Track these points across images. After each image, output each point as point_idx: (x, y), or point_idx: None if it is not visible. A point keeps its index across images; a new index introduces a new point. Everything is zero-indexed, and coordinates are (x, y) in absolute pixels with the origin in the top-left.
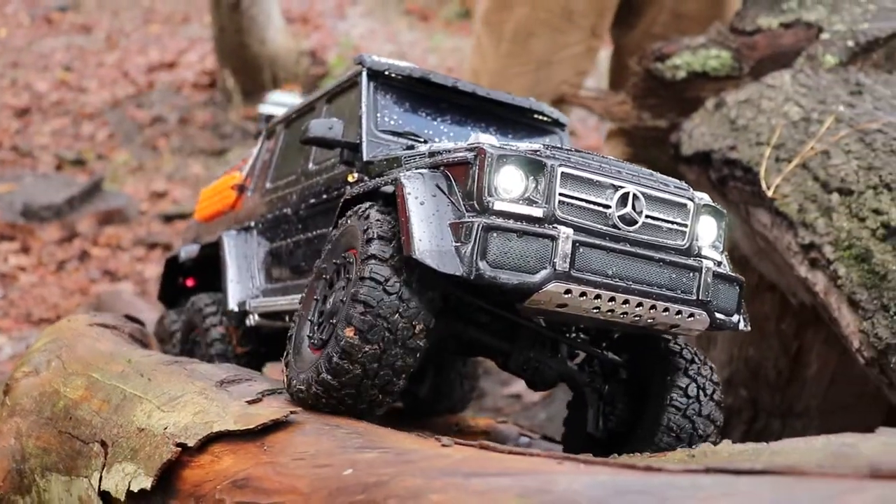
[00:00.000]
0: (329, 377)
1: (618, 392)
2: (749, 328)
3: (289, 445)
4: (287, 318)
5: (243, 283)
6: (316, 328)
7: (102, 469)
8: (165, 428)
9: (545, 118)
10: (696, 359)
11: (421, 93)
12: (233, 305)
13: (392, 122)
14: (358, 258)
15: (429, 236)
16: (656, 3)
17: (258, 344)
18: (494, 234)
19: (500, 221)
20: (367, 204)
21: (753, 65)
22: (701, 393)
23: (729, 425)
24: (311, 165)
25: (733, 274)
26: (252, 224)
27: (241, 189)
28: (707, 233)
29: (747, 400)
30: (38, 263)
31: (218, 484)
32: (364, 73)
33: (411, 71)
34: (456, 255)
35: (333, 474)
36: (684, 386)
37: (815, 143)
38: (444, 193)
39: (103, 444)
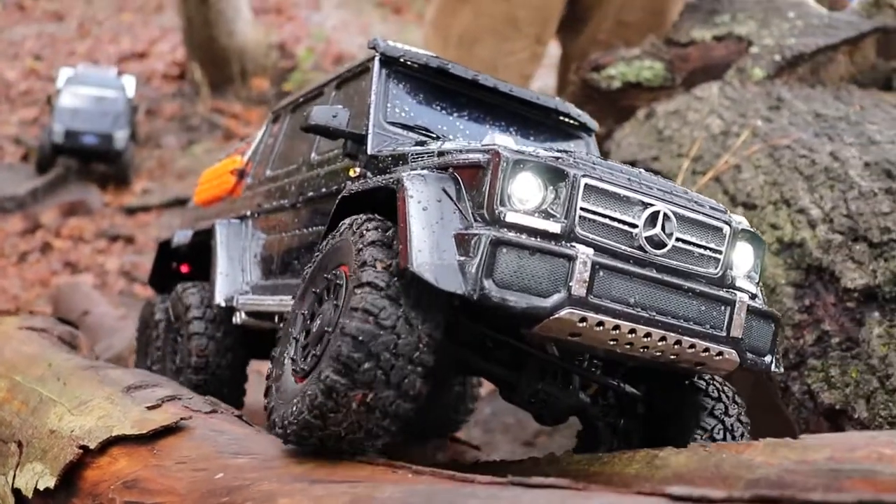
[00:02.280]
0: (311, 417)
1: (634, 428)
2: (782, 370)
3: (175, 449)
4: (276, 320)
5: (233, 276)
6: (301, 352)
7: (16, 468)
8: (72, 431)
9: (571, 121)
10: (724, 396)
11: (437, 84)
12: (219, 300)
13: (403, 115)
14: (349, 281)
15: (429, 247)
16: (600, 12)
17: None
18: (504, 250)
19: (511, 235)
20: (364, 217)
21: (686, 76)
22: (728, 436)
23: None
24: (313, 155)
25: (769, 309)
26: (248, 213)
27: (241, 174)
28: (743, 261)
29: None
30: (0, 255)
31: (112, 484)
32: (377, 59)
33: (428, 60)
34: (459, 271)
35: (207, 477)
36: (710, 428)
37: (729, 157)
38: (451, 199)
39: (19, 444)
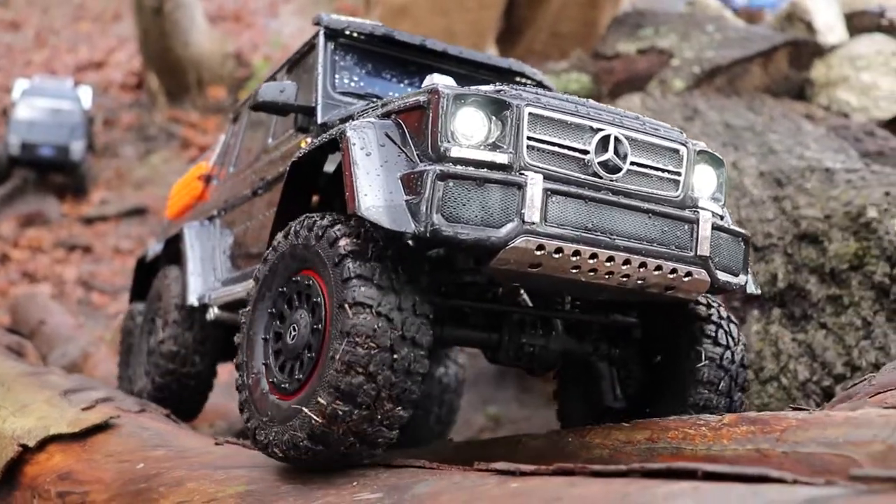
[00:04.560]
0: (328, 426)
1: (631, 355)
2: (759, 291)
3: (105, 445)
4: None
5: (205, 275)
6: (274, 361)
7: None
8: (14, 431)
9: (527, 80)
10: (713, 305)
11: (385, 53)
12: (192, 300)
13: (353, 84)
14: (330, 281)
15: (376, 190)
16: (535, 24)
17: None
18: (451, 183)
19: (457, 168)
20: (319, 216)
21: (611, 87)
22: (731, 340)
23: None
24: (269, 140)
25: (736, 228)
26: (216, 213)
27: (209, 179)
28: (704, 183)
29: None
30: None
31: (48, 477)
32: (321, 33)
33: (374, 28)
34: (407, 211)
35: (130, 468)
36: (714, 335)
37: None
38: (395, 143)
39: None
